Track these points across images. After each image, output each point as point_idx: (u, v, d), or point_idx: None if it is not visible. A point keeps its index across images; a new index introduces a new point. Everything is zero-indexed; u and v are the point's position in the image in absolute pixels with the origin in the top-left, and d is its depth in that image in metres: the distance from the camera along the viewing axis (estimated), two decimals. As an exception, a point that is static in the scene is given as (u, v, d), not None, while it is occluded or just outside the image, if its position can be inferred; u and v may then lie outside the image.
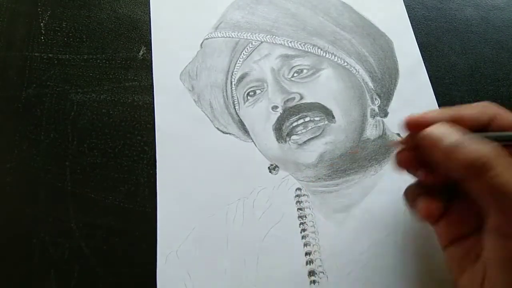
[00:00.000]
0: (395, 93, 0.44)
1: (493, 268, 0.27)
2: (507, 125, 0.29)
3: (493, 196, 0.26)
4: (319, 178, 0.40)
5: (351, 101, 0.43)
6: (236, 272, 0.37)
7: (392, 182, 0.40)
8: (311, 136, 0.42)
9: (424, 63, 0.46)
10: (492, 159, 0.26)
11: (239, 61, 0.45)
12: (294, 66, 0.44)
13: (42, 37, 0.47)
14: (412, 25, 0.48)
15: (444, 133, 0.28)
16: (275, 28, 0.46)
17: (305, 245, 0.38)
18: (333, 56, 0.45)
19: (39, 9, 0.49)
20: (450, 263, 0.31)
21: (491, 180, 0.25)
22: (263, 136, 0.42)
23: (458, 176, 0.28)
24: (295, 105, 0.43)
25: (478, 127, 0.30)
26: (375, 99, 0.44)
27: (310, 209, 0.39)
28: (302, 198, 0.40)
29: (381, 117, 0.43)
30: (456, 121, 0.30)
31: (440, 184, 0.31)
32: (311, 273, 0.37)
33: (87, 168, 0.41)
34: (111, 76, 0.45)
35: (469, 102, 0.44)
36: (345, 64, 0.45)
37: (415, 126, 0.31)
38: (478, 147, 0.27)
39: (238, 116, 0.43)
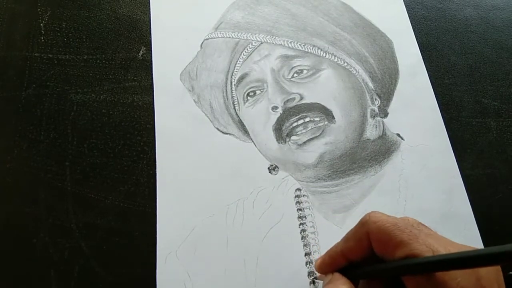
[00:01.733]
0: (395, 94, 0.44)
1: None
2: (382, 244, 0.29)
3: None
4: (319, 179, 0.41)
5: (351, 101, 0.43)
6: (236, 272, 0.37)
7: (392, 182, 0.40)
8: (311, 137, 0.42)
9: (424, 63, 0.46)
10: None
11: (239, 61, 0.45)
12: (294, 67, 0.44)
13: (42, 37, 0.47)
14: (412, 25, 0.48)
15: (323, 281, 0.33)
16: (275, 29, 0.46)
17: (305, 245, 0.38)
18: (333, 57, 0.45)
19: (39, 9, 0.49)
20: None
21: None
22: (263, 136, 0.42)
23: None
24: (295, 106, 0.43)
25: (365, 253, 0.30)
26: (375, 99, 0.44)
27: (310, 209, 0.39)
28: (302, 199, 0.40)
29: (381, 117, 0.43)
30: (347, 257, 0.32)
31: None
32: (311, 273, 0.37)
33: (87, 168, 0.41)
34: (111, 76, 0.45)
35: (469, 101, 0.45)
36: (345, 64, 0.45)
37: (322, 270, 0.33)
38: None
39: (238, 116, 0.43)
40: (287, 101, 0.43)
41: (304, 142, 0.41)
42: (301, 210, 0.39)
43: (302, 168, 0.41)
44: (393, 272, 0.28)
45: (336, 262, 0.32)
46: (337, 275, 0.31)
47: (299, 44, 0.46)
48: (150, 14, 0.48)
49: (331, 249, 0.33)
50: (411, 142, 0.42)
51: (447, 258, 0.25)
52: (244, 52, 0.45)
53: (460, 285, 0.25)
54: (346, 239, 0.32)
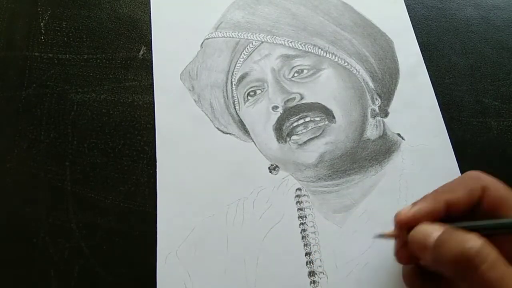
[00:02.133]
0: (395, 93, 0.44)
1: None
2: (498, 199, 0.29)
3: None
4: (319, 178, 0.40)
5: (351, 101, 0.43)
6: (236, 272, 0.37)
7: (393, 182, 0.40)
8: (312, 136, 0.42)
9: (425, 62, 0.46)
10: (476, 254, 0.26)
11: (240, 61, 0.45)
12: (295, 66, 0.44)
13: (42, 37, 0.47)
14: (412, 25, 0.48)
15: (425, 234, 0.28)
16: (276, 28, 0.46)
17: (305, 245, 0.38)
18: (333, 56, 0.45)
19: (39, 9, 0.49)
20: None
21: (481, 277, 0.25)
22: (263, 136, 0.42)
23: (451, 274, 0.27)
24: (296, 105, 0.43)
25: (470, 206, 0.30)
26: (376, 99, 0.44)
27: (310, 209, 0.39)
28: (302, 198, 0.40)
29: (381, 117, 0.43)
30: (449, 208, 0.30)
31: None
32: (311, 273, 0.37)
33: (87, 168, 0.41)
34: (111, 76, 0.45)
35: (469, 101, 0.45)
36: (346, 64, 0.45)
37: (405, 224, 0.30)
38: (461, 242, 0.26)
39: (239, 116, 0.43)
40: (288, 100, 0.43)
41: (305, 142, 0.41)
42: (302, 210, 0.39)
43: (302, 168, 0.41)
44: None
45: (436, 215, 0.29)
46: (447, 227, 0.28)
47: (300, 44, 0.46)
48: (150, 13, 0.48)
49: (425, 199, 0.30)
50: (412, 142, 0.42)
51: None
52: (244, 51, 0.45)
53: None
54: (451, 189, 0.30)
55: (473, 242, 0.26)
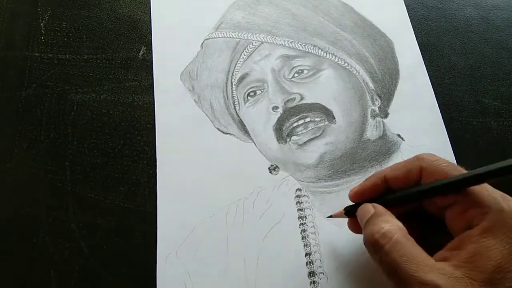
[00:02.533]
0: (395, 94, 0.44)
1: None
2: (436, 174, 0.31)
3: (387, 272, 0.29)
4: (319, 179, 0.40)
5: (351, 101, 0.43)
6: (236, 272, 0.37)
7: (392, 182, 0.40)
8: (312, 137, 0.42)
9: (424, 63, 0.46)
10: (382, 236, 0.29)
11: (240, 61, 0.45)
12: (295, 67, 0.44)
13: (42, 37, 0.47)
14: (412, 25, 0.48)
15: (362, 215, 0.33)
16: (276, 29, 0.46)
17: (305, 245, 0.38)
18: (333, 57, 0.45)
19: (39, 9, 0.49)
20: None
21: (385, 256, 0.29)
22: (263, 136, 0.42)
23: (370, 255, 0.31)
24: (296, 106, 0.43)
25: (409, 183, 0.33)
26: (376, 99, 0.44)
27: (310, 209, 0.39)
28: (302, 199, 0.40)
29: (381, 117, 0.43)
30: (389, 184, 0.33)
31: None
32: (311, 273, 0.37)
33: (87, 168, 0.41)
34: (111, 76, 0.45)
35: (469, 101, 0.45)
36: (346, 64, 0.45)
37: (358, 197, 0.34)
38: (373, 226, 0.30)
39: (239, 116, 0.43)
40: (288, 101, 0.43)
41: (305, 142, 0.41)
42: (302, 210, 0.39)
43: (302, 168, 0.41)
44: (435, 191, 0.31)
45: (376, 188, 0.34)
46: (381, 208, 0.32)
47: (300, 44, 0.46)
48: (150, 14, 0.48)
49: (370, 177, 0.34)
50: (412, 143, 0.42)
51: (489, 170, 0.29)
52: (244, 52, 0.45)
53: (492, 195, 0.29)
54: (394, 168, 0.34)
55: (380, 226, 0.30)
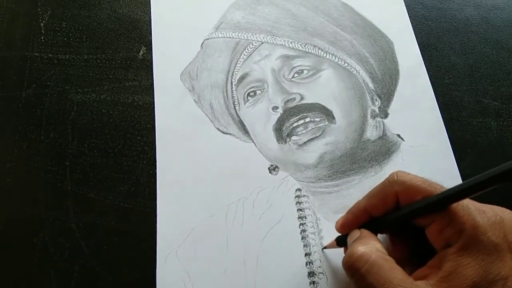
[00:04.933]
0: (395, 94, 0.44)
1: None
2: (412, 195, 0.31)
3: None
4: (319, 179, 0.40)
5: (351, 102, 0.43)
6: (236, 272, 0.37)
7: (392, 182, 0.40)
8: (311, 137, 0.42)
9: (424, 63, 0.46)
10: (358, 259, 0.30)
11: (240, 61, 0.45)
12: (295, 67, 0.44)
13: (42, 37, 0.47)
14: (412, 25, 0.48)
15: (348, 240, 0.33)
16: (276, 29, 0.46)
17: (305, 245, 0.38)
18: (333, 57, 0.45)
19: (39, 9, 0.49)
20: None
21: (362, 278, 0.29)
22: (263, 136, 0.42)
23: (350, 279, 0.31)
24: (296, 106, 0.43)
25: (389, 210, 0.33)
26: (376, 100, 0.44)
27: (310, 209, 0.39)
28: (302, 199, 0.40)
29: (381, 118, 0.43)
30: (370, 213, 0.33)
31: None
32: (311, 273, 0.37)
33: (87, 168, 0.41)
34: (111, 76, 0.45)
35: (469, 101, 0.45)
36: (346, 65, 0.45)
37: (344, 229, 0.34)
38: (350, 250, 0.31)
39: (238, 116, 0.43)
40: (288, 101, 0.43)
41: (305, 143, 0.41)
42: (301, 211, 0.39)
43: (302, 168, 0.41)
44: (412, 215, 0.31)
45: (359, 219, 0.34)
46: (365, 232, 0.32)
47: (300, 44, 0.46)
48: (150, 14, 0.48)
49: (351, 208, 0.34)
50: (411, 143, 0.42)
51: (461, 189, 0.29)
52: (244, 52, 0.45)
53: (490, 239, 0.28)
54: (370, 196, 0.33)
55: (357, 248, 0.30)
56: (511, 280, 0.27)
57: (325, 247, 0.37)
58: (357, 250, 0.30)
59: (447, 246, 0.29)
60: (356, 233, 0.33)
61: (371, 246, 0.30)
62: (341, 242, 0.35)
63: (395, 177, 0.32)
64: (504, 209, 0.31)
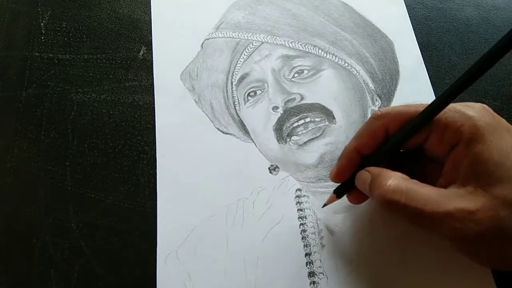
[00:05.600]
0: (395, 94, 0.44)
1: None
2: (399, 121, 0.33)
3: (413, 221, 0.30)
4: (319, 179, 0.40)
5: (351, 102, 0.43)
6: (236, 272, 0.37)
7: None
8: (312, 137, 0.42)
9: (425, 63, 0.46)
10: (393, 196, 0.30)
11: (240, 61, 0.45)
12: (295, 67, 0.44)
13: (42, 37, 0.47)
14: (412, 25, 0.48)
15: (361, 184, 0.34)
16: (276, 29, 0.46)
17: (305, 246, 0.38)
18: (333, 57, 0.45)
19: (39, 9, 0.49)
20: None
21: (404, 212, 0.30)
22: (263, 136, 0.42)
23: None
24: (296, 106, 0.43)
25: (380, 141, 0.34)
26: (376, 100, 0.44)
27: (310, 209, 0.39)
28: (303, 199, 0.40)
29: (381, 118, 0.43)
30: (361, 151, 0.35)
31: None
32: (311, 274, 0.37)
33: (87, 168, 0.41)
34: (111, 76, 0.45)
35: (469, 102, 0.44)
36: (346, 65, 0.45)
37: (339, 177, 0.36)
38: (380, 191, 0.31)
39: (239, 116, 0.43)
40: (288, 101, 0.43)
41: (305, 143, 0.41)
42: (302, 211, 0.39)
43: (302, 169, 0.41)
44: (410, 134, 0.32)
45: (352, 162, 0.35)
46: (376, 169, 0.33)
47: (300, 44, 0.46)
48: (150, 13, 0.48)
49: (342, 154, 0.35)
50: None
51: (450, 91, 0.31)
52: (244, 52, 0.45)
53: (486, 122, 0.30)
54: (358, 136, 0.35)
55: (386, 184, 0.31)
56: None
57: (325, 205, 0.37)
58: (387, 186, 0.30)
59: (452, 148, 0.31)
60: (365, 175, 0.33)
61: (394, 176, 0.31)
62: (340, 193, 0.36)
63: (379, 112, 0.34)
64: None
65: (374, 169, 0.33)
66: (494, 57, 0.30)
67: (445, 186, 0.31)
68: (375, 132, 0.34)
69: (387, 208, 0.31)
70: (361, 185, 0.34)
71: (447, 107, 0.31)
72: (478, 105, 0.32)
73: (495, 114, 0.32)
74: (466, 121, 0.30)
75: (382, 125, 0.33)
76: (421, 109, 0.32)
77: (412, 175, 0.33)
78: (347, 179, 0.35)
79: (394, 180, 0.30)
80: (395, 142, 0.33)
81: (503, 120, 0.32)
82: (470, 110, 0.31)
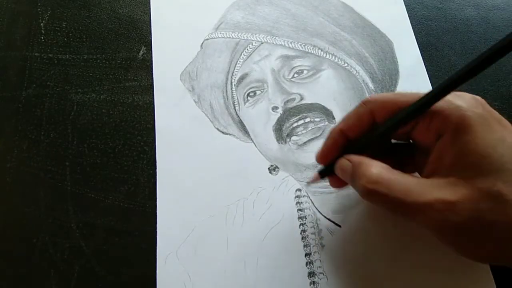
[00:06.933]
0: (395, 94, 0.44)
1: None
2: (387, 108, 0.33)
3: (394, 210, 0.30)
4: (319, 179, 0.40)
5: (351, 102, 0.43)
6: (236, 272, 0.37)
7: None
8: (311, 137, 0.42)
9: (424, 63, 0.46)
10: (373, 186, 0.30)
11: (239, 61, 0.45)
12: (295, 67, 0.44)
13: (42, 37, 0.47)
14: (412, 25, 0.48)
15: (342, 172, 0.33)
16: (276, 29, 0.46)
17: (305, 246, 0.38)
18: (333, 57, 0.45)
19: (39, 9, 0.49)
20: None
21: (385, 201, 0.30)
22: (263, 136, 0.42)
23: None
24: (295, 106, 0.43)
25: (366, 128, 0.34)
26: (376, 100, 0.44)
27: (310, 209, 0.39)
28: (302, 199, 0.40)
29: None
30: (347, 133, 0.34)
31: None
32: (311, 274, 0.37)
33: (87, 168, 0.41)
34: (111, 76, 0.45)
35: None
36: (346, 65, 0.45)
37: (324, 159, 0.35)
38: (361, 180, 0.30)
39: (238, 116, 0.43)
40: (288, 101, 0.43)
41: (305, 143, 0.41)
42: (301, 211, 0.39)
43: (302, 169, 0.41)
44: (398, 124, 0.32)
45: (337, 143, 0.34)
46: (357, 157, 0.32)
47: (300, 44, 0.46)
48: (150, 14, 0.48)
49: (328, 135, 0.35)
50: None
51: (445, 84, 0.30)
52: (244, 52, 0.45)
53: (475, 112, 0.30)
54: (346, 119, 0.35)
55: (367, 173, 0.30)
56: (508, 141, 0.29)
57: (309, 183, 0.38)
58: (369, 175, 0.30)
59: (439, 137, 0.30)
60: (345, 162, 0.33)
61: (375, 166, 0.31)
62: (324, 174, 0.36)
63: (368, 98, 0.33)
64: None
65: (354, 158, 0.32)
66: (498, 45, 0.30)
67: (430, 176, 0.30)
68: (361, 116, 0.33)
69: (368, 197, 0.31)
70: (341, 174, 0.33)
71: None
72: (469, 96, 0.31)
73: (486, 105, 0.31)
74: (454, 110, 0.30)
75: (369, 110, 0.33)
76: (411, 99, 0.31)
77: (402, 165, 0.33)
78: (331, 162, 0.35)
79: (376, 170, 0.30)
80: (382, 131, 0.33)
81: (495, 112, 0.31)
82: (459, 100, 0.30)
